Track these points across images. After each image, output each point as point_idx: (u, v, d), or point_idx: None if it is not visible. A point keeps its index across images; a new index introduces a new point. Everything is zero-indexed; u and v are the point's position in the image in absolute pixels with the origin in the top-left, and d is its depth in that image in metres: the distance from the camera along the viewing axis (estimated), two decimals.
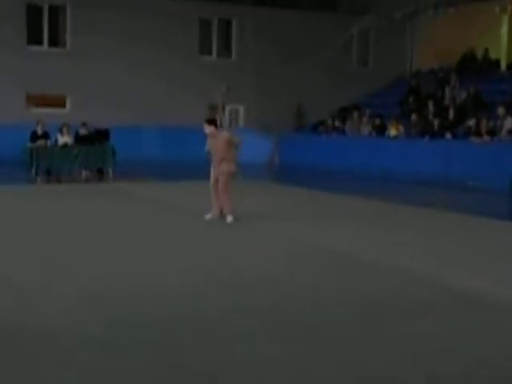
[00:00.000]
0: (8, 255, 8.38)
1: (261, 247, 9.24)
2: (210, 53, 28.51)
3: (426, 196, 16.22)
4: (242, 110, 28.92)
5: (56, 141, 18.51)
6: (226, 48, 28.85)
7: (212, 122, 11.98)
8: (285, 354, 5.13)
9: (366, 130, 24.07)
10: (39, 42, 25.69)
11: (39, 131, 18.40)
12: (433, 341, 5.49)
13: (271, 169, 25.00)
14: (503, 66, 26.66)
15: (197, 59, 27.77)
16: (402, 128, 22.44)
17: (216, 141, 11.68)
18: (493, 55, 26.60)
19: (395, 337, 5.58)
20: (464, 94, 23.45)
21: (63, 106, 25.96)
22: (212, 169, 11.76)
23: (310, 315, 6.12)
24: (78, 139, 18.62)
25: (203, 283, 7.15)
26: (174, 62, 26.74)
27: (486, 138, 19.34)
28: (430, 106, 23.44)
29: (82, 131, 18.80)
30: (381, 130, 23.19)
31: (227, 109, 28.85)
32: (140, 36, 26.32)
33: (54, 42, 26.05)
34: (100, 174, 18.84)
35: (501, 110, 20.00)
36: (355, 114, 25.34)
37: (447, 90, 24.42)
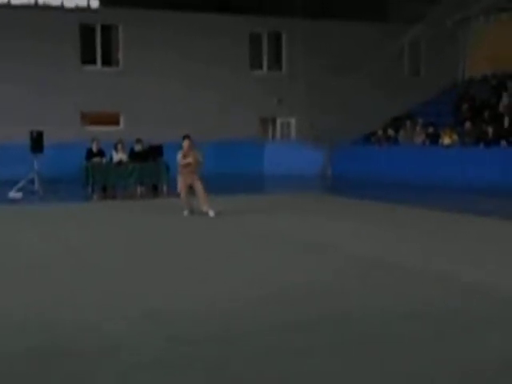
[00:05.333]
0: (67, 273, 8.47)
1: (313, 259, 9.20)
2: (260, 67, 28.63)
3: (483, 205, 15.95)
4: (293, 122, 28.94)
5: (111, 158, 18.74)
6: (276, 61, 28.93)
7: (188, 137, 14.19)
8: (349, 368, 5.07)
9: (419, 139, 23.85)
10: (93, 62, 26.14)
11: (94, 149, 18.65)
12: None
13: (324, 180, 24.93)
14: None
15: (248, 73, 27.92)
16: (455, 136, 22.18)
17: (192, 153, 13.95)
18: None
19: (470, 350, 5.47)
20: None
21: (117, 123, 26.34)
22: (182, 177, 13.97)
23: (375, 327, 6.04)
24: (133, 156, 18.82)
25: (262, 298, 7.12)
26: (225, 76, 26.92)
27: None
28: (486, 113, 23.12)
29: (137, 148, 19.00)
30: (434, 138, 22.96)
31: (279, 121, 28.94)
32: (191, 52, 26.58)
33: (107, 60, 26.48)
34: (154, 189, 19.00)
35: None
36: (408, 124, 25.14)
37: (504, 97, 24.01)
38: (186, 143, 14.09)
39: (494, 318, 6.35)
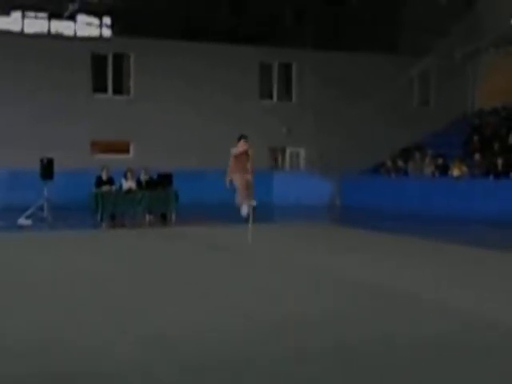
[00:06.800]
0: (70, 298, 8.47)
1: (315, 289, 9.17)
2: (270, 96, 28.78)
3: (493, 237, 15.88)
4: (302, 152, 29.00)
5: (120, 186, 18.81)
6: (286, 91, 29.08)
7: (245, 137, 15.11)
8: None
9: (428, 170, 23.85)
10: (104, 90, 26.33)
11: (104, 177, 18.72)
12: None
13: (332, 211, 24.90)
14: None
15: (257, 103, 28.06)
16: (465, 168, 22.17)
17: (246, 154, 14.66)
18: None
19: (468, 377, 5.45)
20: None
21: (127, 151, 26.45)
22: (239, 174, 14.52)
23: (381, 357, 6.02)
24: (140, 185, 18.89)
25: (269, 325, 7.11)
26: (234, 106, 27.07)
27: None
28: (496, 145, 23.12)
29: (143, 177, 19.07)
30: (444, 170, 22.95)
31: (288, 151, 29.01)
32: (202, 81, 26.76)
33: (118, 89, 26.67)
34: (163, 218, 19.03)
35: None
36: (417, 155, 25.16)
37: None
38: (241, 144, 14.91)
39: (493, 347, 6.35)
